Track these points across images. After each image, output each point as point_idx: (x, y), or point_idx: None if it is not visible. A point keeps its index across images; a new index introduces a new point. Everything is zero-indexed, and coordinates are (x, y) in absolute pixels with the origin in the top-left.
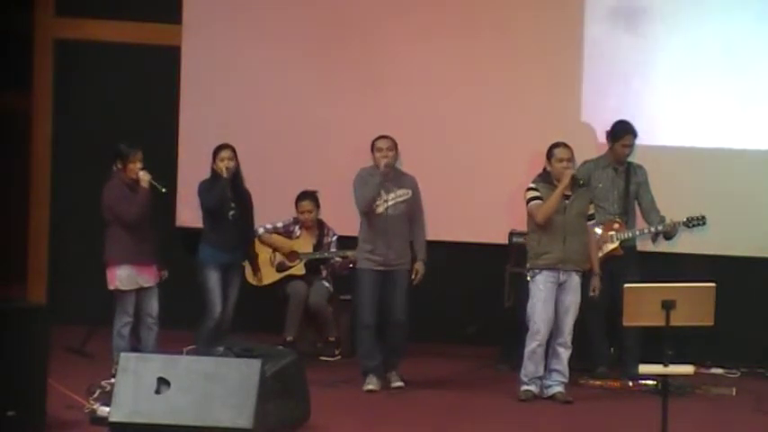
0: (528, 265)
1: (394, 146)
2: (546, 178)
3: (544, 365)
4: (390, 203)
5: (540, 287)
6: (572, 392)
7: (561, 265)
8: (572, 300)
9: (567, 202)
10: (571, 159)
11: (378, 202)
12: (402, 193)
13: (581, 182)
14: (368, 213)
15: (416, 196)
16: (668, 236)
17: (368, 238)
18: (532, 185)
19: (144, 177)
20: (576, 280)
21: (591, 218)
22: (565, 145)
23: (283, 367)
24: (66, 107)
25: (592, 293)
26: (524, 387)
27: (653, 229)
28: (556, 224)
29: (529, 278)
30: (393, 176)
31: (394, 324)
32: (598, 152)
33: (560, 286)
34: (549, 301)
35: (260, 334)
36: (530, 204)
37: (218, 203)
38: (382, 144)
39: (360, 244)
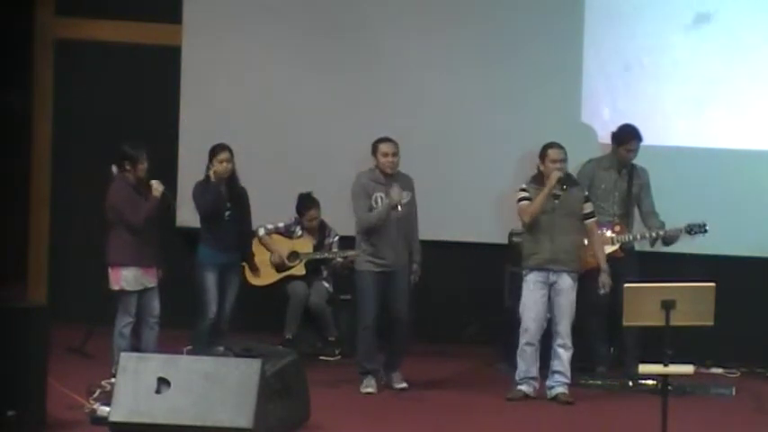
0: (522, 265)
1: (398, 150)
2: (538, 179)
3: (538, 365)
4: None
5: (530, 286)
6: (572, 392)
7: (550, 265)
8: (566, 302)
9: (556, 202)
10: (564, 160)
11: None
12: (405, 195)
13: (564, 186)
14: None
15: (414, 198)
16: (667, 242)
17: (369, 241)
18: (524, 186)
19: (158, 188)
20: (567, 281)
21: (589, 216)
22: (558, 146)
23: (283, 367)
24: (66, 107)
25: (602, 290)
26: (516, 387)
27: (653, 234)
28: (543, 224)
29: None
30: (397, 179)
31: (397, 322)
32: (597, 152)
33: (553, 288)
34: (538, 300)
35: (260, 334)
36: (518, 205)
37: (211, 207)
38: (387, 149)
39: (360, 245)
